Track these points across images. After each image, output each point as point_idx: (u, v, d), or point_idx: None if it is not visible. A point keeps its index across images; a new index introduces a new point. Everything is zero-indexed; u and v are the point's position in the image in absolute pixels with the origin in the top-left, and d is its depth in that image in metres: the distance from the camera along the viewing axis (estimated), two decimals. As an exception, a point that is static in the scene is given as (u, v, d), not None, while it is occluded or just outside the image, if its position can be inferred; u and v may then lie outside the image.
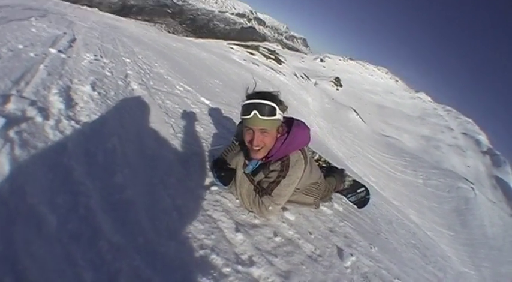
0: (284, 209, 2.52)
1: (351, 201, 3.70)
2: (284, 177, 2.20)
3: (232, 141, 2.61)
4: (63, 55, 3.73)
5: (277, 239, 2.10)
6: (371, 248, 2.78)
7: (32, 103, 2.15)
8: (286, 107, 2.26)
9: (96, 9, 17.63)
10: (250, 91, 2.19)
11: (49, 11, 7.74)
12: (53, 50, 3.76)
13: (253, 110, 2.04)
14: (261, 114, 2.04)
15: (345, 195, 3.70)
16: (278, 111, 2.10)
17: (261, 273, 1.70)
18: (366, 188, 3.76)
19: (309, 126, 2.51)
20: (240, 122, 2.47)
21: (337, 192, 3.60)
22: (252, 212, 2.27)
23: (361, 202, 3.70)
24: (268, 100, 2.07)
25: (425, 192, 18.53)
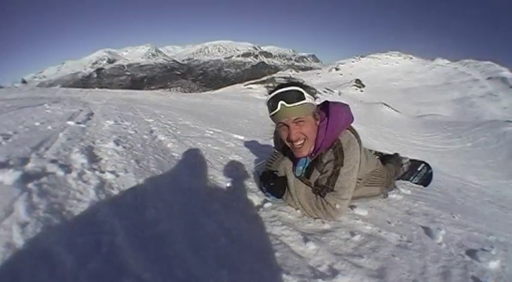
0: (352, 207, 2.24)
1: (416, 183, 3.46)
2: (342, 164, 1.93)
3: (274, 151, 2.37)
4: (82, 125, 3.66)
5: (356, 238, 1.79)
6: (453, 216, 2.52)
7: (52, 161, 2.07)
8: (315, 91, 1.99)
9: (106, 88, 18.32)
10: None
11: (61, 98, 7.97)
12: (71, 123, 3.69)
13: (279, 100, 1.81)
14: (288, 102, 1.80)
15: (407, 179, 3.47)
16: (306, 94, 1.85)
17: (349, 280, 1.40)
18: (426, 163, 3.53)
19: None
20: (275, 130, 2.21)
21: (399, 178, 3.37)
22: (318, 217, 1.98)
23: (426, 180, 3.46)
24: (292, 86, 1.84)
25: (477, 153, 17.55)
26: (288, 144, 1.97)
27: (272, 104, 1.85)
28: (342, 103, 2.17)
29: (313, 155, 2.05)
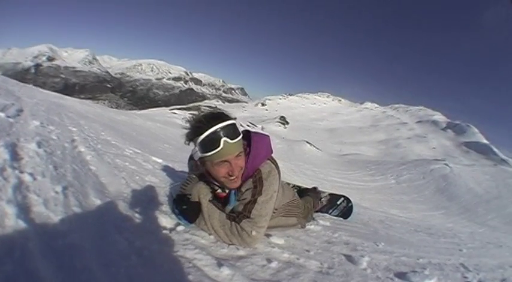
0: (268, 235, 2.22)
1: (335, 216, 3.52)
2: (260, 193, 1.91)
3: (189, 175, 2.28)
4: (11, 120, 3.54)
5: (273, 264, 1.74)
6: (377, 245, 2.61)
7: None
8: (235, 117, 1.96)
9: (39, 88, 17.25)
10: (192, 123, 1.85)
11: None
12: (1, 114, 3.58)
13: (222, 137, 1.73)
14: (232, 138, 1.75)
15: (326, 212, 3.52)
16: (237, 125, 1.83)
17: (268, 306, 1.34)
18: (345, 197, 3.63)
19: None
20: (190, 157, 2.19)
21: (318, 211, 3.42)
22: (232, 244, 1.91)
23: (346, 212, 3.55)
24: (227, 119, 1.79)
25: (401, 189, 18.20)
26: (222, 180, 1.91)
27: (211, 140, 1.75)
28: (263, 134, 2.18)
29: None
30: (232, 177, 1.86)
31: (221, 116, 1.82)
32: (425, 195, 17.34)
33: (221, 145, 1.72)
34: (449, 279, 2.06)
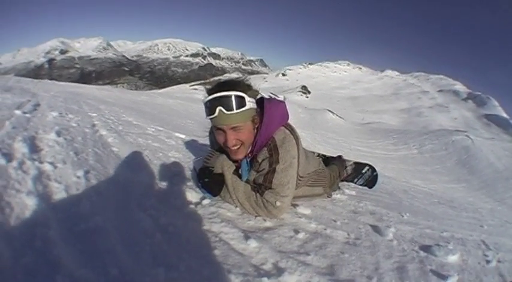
0: (294, 205, 2.21)
1: (360, 185, 3.48)
2: (277, 161, 1.88)
3: (210, 150, 2.28)
4: (28, 115, 3.55)
5: (301, 235, 1.73)
6: (402, 215, 2.60)
7: (-5, 150, 1.98)
8: (257, 91, 1.94)
9: (55, 80, 17.47)
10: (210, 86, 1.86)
11: (13, 87, 7.68)
12: (18, 111, 3.58)
13: (218, 106, 1.72)
14: (227, 109, 1.72)
15: (352, 181, 3.48)
16: (248, 99, 1.77)
17: (297, 278, 1.34)
18: (370, 165, 3.57)
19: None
20: (210, 130, 2.17)
21: (343, 180, 3.38)
22: (259, 215, 1.90)
23: (371, 181, 3.50)
24: (233, 89, 1.74)
25: (423, 160, 18.17)
26: (223, 147, 1.92)
27: (209, 107, 1.76)
28: (278, 100, 2.12)
29: (249, 155, 2.00)
30: (231, 148, 1.86)
31: (232, 85, 1.80)
32: (447, 167, 17.24)
33: (216, 113, 1.74)
34: (471, 255, 2.02)
